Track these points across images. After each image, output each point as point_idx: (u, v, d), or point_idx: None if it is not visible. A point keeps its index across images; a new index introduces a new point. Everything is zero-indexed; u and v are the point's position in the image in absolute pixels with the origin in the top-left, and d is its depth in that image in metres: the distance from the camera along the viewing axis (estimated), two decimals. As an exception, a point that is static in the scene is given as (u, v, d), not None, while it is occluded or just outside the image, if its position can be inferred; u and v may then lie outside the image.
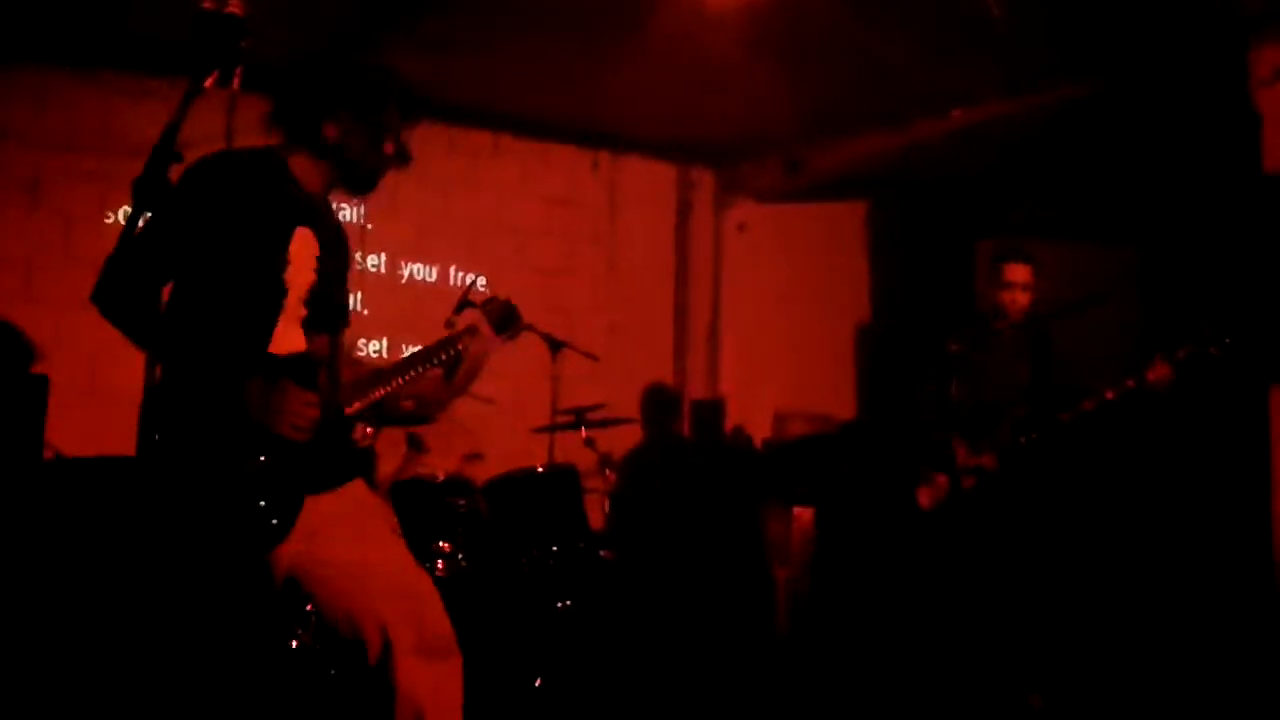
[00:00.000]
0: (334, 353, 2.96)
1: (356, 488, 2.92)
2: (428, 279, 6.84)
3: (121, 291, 2.58)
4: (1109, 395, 4.24)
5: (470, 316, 3.15)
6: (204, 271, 2.68)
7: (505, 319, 3.15)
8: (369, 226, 6.63)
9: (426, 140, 6.58)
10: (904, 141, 6.47)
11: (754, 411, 7.46)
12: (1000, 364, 4.47)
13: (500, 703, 4.36)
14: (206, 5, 2.22)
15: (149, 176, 2.01)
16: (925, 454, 4.48)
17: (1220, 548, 5.68)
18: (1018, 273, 4.50)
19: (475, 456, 5.65)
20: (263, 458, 2.66)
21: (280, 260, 2.77)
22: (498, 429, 5.79)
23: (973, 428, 4.40)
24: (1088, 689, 4.67)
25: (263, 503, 2.66)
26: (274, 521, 2.67)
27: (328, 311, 2.92)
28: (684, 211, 7.76)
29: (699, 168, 7.77)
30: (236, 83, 2.21)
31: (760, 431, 7.38)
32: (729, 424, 7.42)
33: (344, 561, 2.81)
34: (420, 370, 2.98)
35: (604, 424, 5.48)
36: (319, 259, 2.87)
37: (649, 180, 7.65)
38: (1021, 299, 4.49)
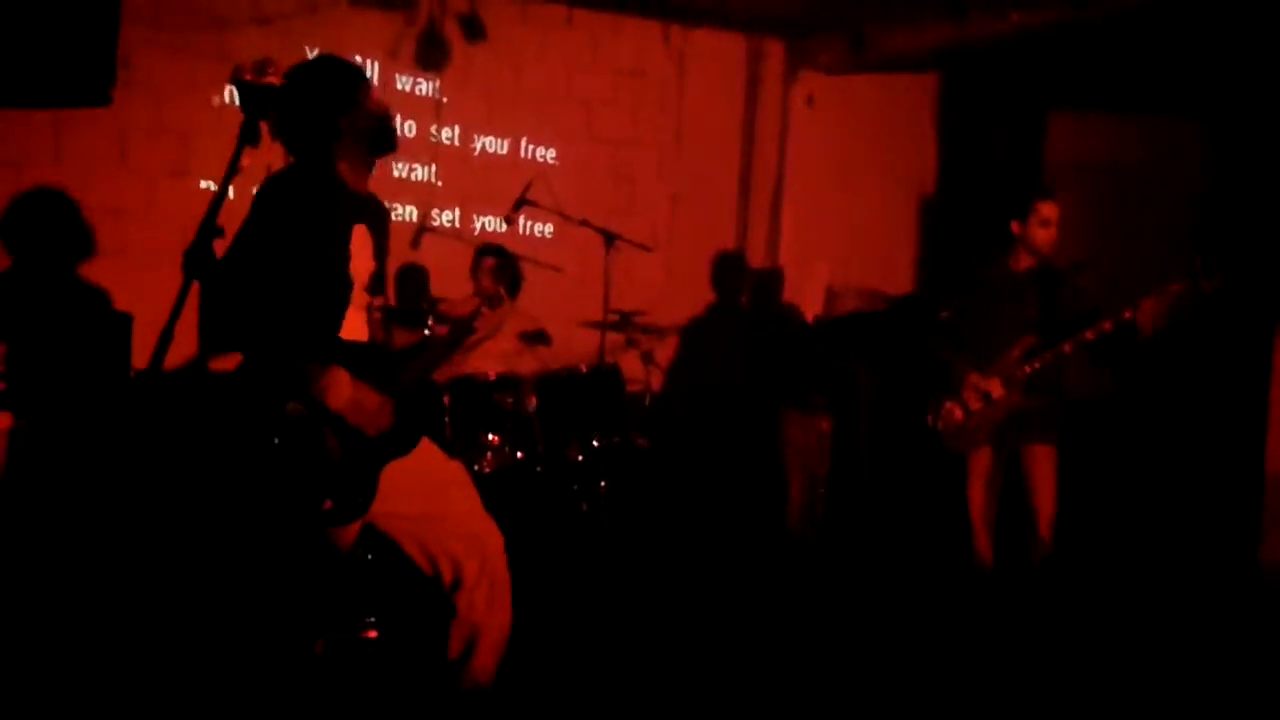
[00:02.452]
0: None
1: (423, 449, 3.35)
2: (499, 151, 7.09)
3: (224, 323, 2.94)
4: (1106, 327, 4.43)
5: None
6: (285, 277, 3.01)
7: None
8: (445, 100, 6.87)
9: (500, 12, 6.81)
10: (963, 35, 6.48)
11: (809, 286, 7.69)
12: (1006, 305, 4.70)
13: (537, 585, 4.85)
14: (247, 77, 2.51)
15: (197, 249, 2.35)
16: (937, 379, 4.77)
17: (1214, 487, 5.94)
18: (1051, 210, 4.70)
19: (534, 336, 6.00)
20: (340, 439, 3.03)
21: (344, 256, 3.13)
22: (553, 319, 6.18)
23: (981, 358, 4.68)
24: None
25: (348, 482, 3.06)
26: (359, 499, 3.09)
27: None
28: (753, 83, 7.79)
29: (770, 39, 7.77)
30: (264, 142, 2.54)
31: (813, 307, 7.63)
32: (785, 296, 7.68)
33: (419, 515, 3.31)
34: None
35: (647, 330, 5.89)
36: (375, 246, 3.25)
37: (719, 51, 7.68)
38: (1053, 234, 4.71)
